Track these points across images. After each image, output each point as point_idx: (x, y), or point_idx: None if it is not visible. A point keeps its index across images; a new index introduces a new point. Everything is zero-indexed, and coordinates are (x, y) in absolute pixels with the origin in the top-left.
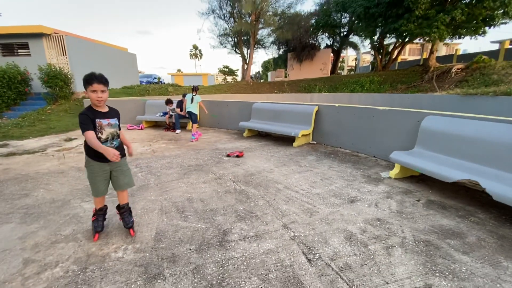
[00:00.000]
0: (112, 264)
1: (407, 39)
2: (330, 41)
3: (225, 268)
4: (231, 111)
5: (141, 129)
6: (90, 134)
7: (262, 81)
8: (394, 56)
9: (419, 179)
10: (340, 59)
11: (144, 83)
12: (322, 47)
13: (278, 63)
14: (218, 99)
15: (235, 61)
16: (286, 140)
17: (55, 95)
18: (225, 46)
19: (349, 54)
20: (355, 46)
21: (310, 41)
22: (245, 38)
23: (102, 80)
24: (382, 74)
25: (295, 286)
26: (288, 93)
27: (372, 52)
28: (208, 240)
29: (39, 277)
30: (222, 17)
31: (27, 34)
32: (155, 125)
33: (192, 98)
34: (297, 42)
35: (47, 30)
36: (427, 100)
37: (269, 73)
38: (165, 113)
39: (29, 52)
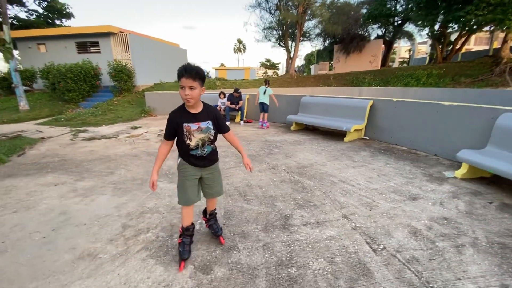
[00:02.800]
0: None
1: (474, 28)
2: (382, 31)
3: (292, 248)
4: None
5: None
6: (161, 148)
7: (305, 74)
8: (458, 47)
9: (490, 181)
10: (392, 51)
11: None
12: (372, 37)
13: (323, 55)
14: None
15: (277, 55)
16: (335, 135)
17: (120, 88)
18: (270, 40)
19: (401, 45)
20: (410, 36)
21: (360, 32)
22: (290, 30)
23: (191, 73)
24: (442, 67)
25: (362, 271)
26: (334, 87)
27: (430, 42)
28: (272, 223)
29: (137, 239)
30: (268, 10)
31: (98, 33)
32: None
33: (265, 91)
34: (345, 33)
35: (114, 29)
36: (497, 95)
37: (312, 66)
38: (215, 106)
39: (99, 49)
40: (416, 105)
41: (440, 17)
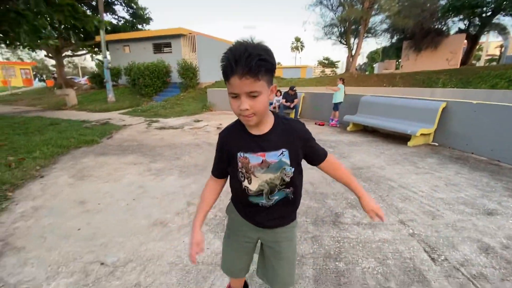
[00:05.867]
0: None
1: None
2: (465, 24)
3: (341, 244)
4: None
5: None
6: (206, 187)
7: (367, 73)
8: None
9: None
10: (477, 47)
11: None
12: (452, 32)
13: (389, 53)
14: (320, 91)
15: (337, 53)
16: (398, 138)
17: (186, 85)
18: (330, 38)
19: (490, 40)
20: (502, 30)
21: (436, 26)
22: (353, 27)
23: (249, 66)
24: None
25: (417, 278)
26: (400, 87)
27: None
28: (321, 218)
29: None
30: (330, 7)
31: (170, 35)
32: None
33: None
34: (417, 28)
35: (184, 31)
36: None
37: (375, 65)
38: (270, 103)
39: (171, 50)
40: (503, 109)
41: None
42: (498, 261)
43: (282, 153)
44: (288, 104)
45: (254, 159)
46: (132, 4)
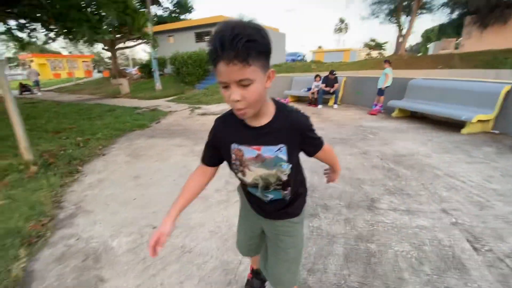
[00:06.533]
0: None
1: None
2: None
3: (374, 227)
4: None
5: (287, 103)
6: (193, 174)
7: (420, 54)
8: None
9: None
10: None
11: (289, 61)
12: None
13: (447, 31)
14: (364, 75)
15: (385, 34)
16: (450, 125)
17: None
18: (377, 16)
19: None
20: None
21: None
22: (405, 3)
23: (236, 51)
24: None
25: (455, 265)
26: (458, 69)
27: None
28: (356, 202)
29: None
30: None
31: (211, 24)
32: (298, 100)
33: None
34: (483, 0)
35: (224, 19)
36: None
37: (430, 45)
38: (309, 89)
39: None
40: None
41: None
42: None
43: (279, 149)
44: (328, 89)
45: (249, 152)
46: None
